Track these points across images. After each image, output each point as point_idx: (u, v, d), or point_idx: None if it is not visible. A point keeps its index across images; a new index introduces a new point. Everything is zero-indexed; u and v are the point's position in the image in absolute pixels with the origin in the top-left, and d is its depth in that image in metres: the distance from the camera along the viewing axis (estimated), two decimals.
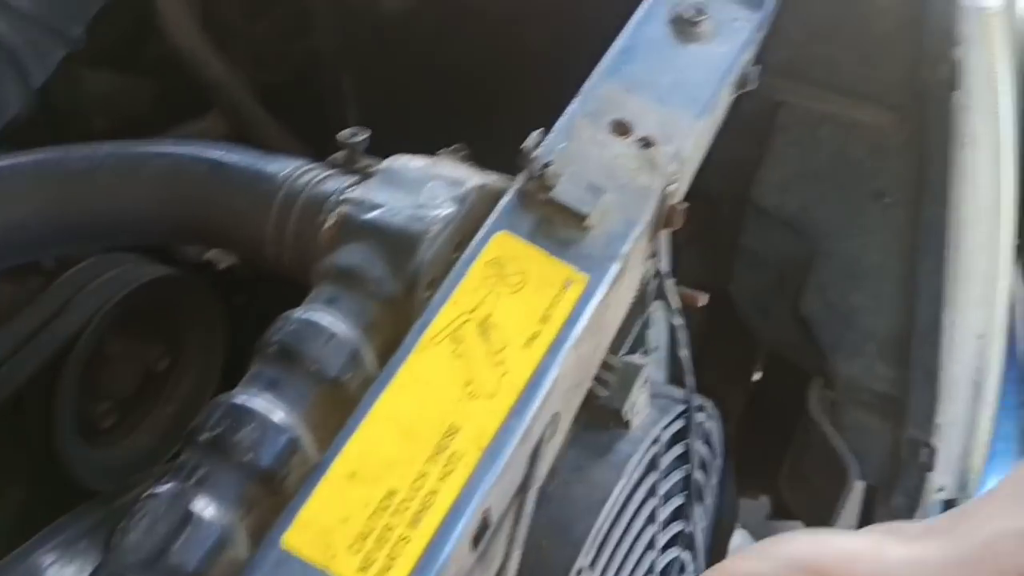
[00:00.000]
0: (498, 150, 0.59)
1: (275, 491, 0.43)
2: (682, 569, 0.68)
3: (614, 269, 0.53)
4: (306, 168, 0.57)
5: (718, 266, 0.97)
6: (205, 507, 0.41)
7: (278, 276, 0.56)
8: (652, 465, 0.60)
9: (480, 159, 0.62)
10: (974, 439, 0.89)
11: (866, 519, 0.96)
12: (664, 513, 0.62)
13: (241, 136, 1.01)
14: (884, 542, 0.35)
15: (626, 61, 0.64)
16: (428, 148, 0.62)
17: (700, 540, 0.70)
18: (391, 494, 0.42)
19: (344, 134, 0.59)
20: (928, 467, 0.88)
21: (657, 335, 0.72)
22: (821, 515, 0.93)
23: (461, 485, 0.42)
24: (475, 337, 0.48)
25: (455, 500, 0.42)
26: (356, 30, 1.02)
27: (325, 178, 0.56)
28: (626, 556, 0.57)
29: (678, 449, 0.65)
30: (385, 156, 0.58)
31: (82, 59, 0.86)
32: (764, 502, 1.26)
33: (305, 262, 0.54)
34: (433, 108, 0.98)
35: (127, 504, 0.41)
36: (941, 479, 0.89)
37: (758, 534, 1.29)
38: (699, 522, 0.69)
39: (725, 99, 0.69)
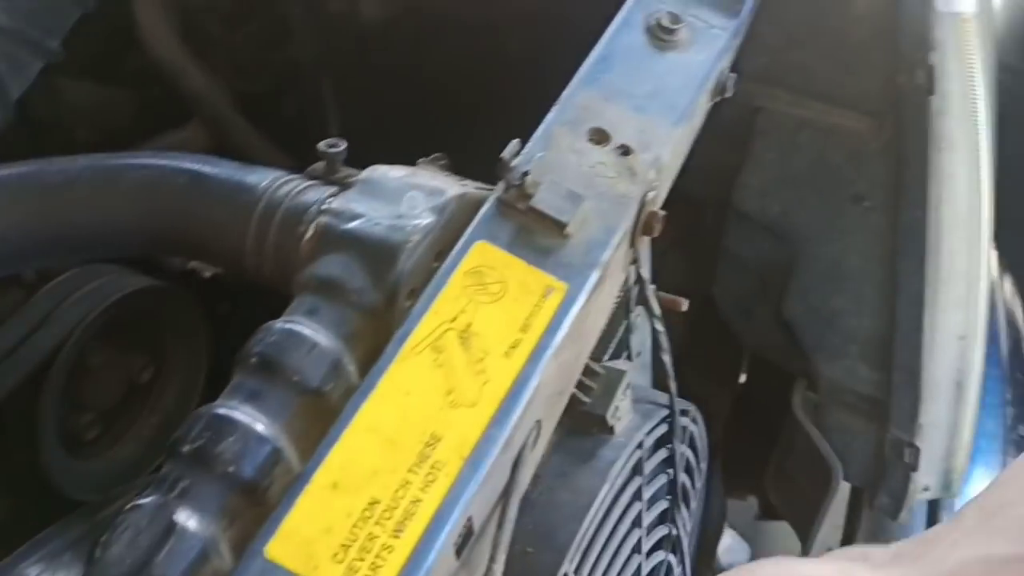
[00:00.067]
0: (478, 159, 0.60)
1: (258, 502, 0.43)
2: (669, 571, 0.69)
3: (594, 277, 0.53)
4: (285, 179, 0.57)
5: (702, 270, 0.98)
6: (188, 519, 0.41)
7: (260, 286, 0.56)
8: (636, 470, 0.60)
9: (460, 168, 0.63)
10: (957, 439, 0.90)
11: (852, 520, 0.97)
12: (649, 517, 0.62)
13: (222, 146, 1.01)
14: (852, 569, 0.35)
15: (603, 70, 0.64)
16: (408, 157, 0.62)
17: (686, 543, 0.71)
18: (374, 503, 0.42)
19: (323, 145, 0.59)
20: (912, 467, 0.88)
21: (640, 340, 0.72)
22: (807, 516, 0.93)
23: (443, 494, 0.43)
24: (456, 346, 0.48)
25: (438, 508, 0.42)
26: (335, 39, 1.02)
27: (305, 189, 0.57)
28: (611, 561, 0.57)
29: (662, 453, 0.65)
30: (365, 165, 0.58)
31: (62, 71, 0.86)
32: (752, 503, 1.27)
33: (286, 273, 0.54)
34: (413, 117, 0.98)
35: (110, 516, 0.41)
36: (925, 479, 0.89)
37: (747, 535, 1.30)
38: (685, 525, 0.69)
39: (703, 106, 0.69)
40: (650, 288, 0.63)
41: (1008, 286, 1.32)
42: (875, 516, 0.95)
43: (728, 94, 0.71)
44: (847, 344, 0.90)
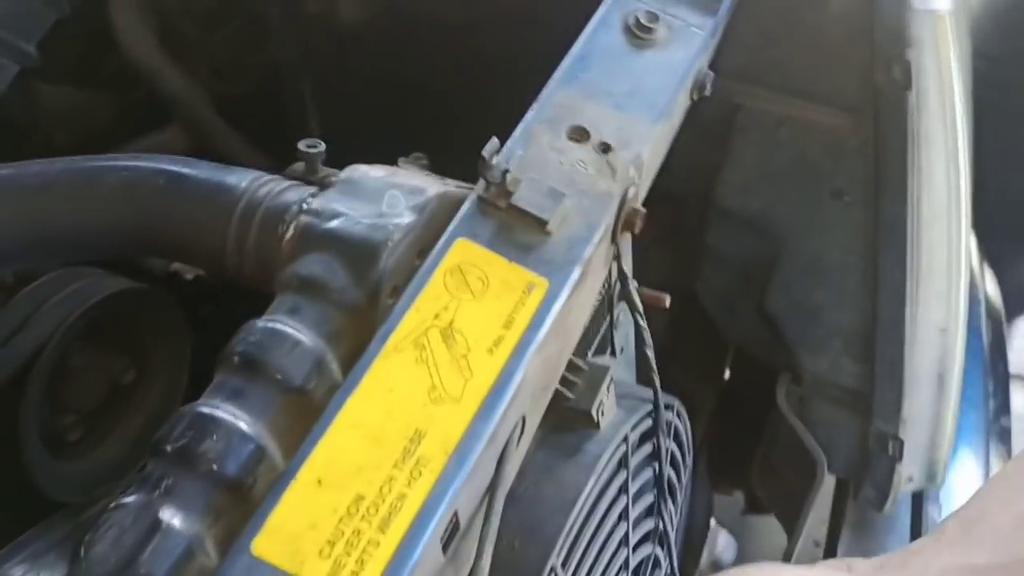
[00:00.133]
0: (458, 159, 0.60)
1: (243, 499, 0.43)
2: (656, 565, 0.69)
3: (576, 273, 0.53)
4: (265, 179, 0.57)
5: (684, 267, 0.98)
6: (172, 516, 0.41)
7: (241, 287, 0.56)
8: (622, 464, 0.60)
9: (440, 168, 0.63)
10: (940, 430, 0.91)
11: (837, 512, 0.98)
12: (636, 511, 0.63)
13: (201, 148, 1.01)
14: (838, 573, 0.36)
15: (582, 69, 0.65)
16: (388, 157, 0.62)
17: (673, 536, 0.71)
18: (359, 499, 0.42)
19: (303, 145, 0.59)
20: (896, 459, 0.89)
21: (623, 337, 0.73)
22: (793, 509, 0.94)
23: (429, 489, 0.43)
24: (439, 343, 0.48)
25: (423, 504, 0.42)
26: (314, 41, 1.02)
27: (285, 189, 0.57)
28: (599, 554, 0.57)
29: (647, 448, 0.65)
30: (345, 166, 0.58)
31: (39, 75, 0.86)
32: (739, 498, 1.28)
33: (267, 273, 0.54)
34: (393, 117, 0.98)
35: (94, 516, 0.41)
36: (910, 470, 0.90)
37: (734, 530, 1.31)
38: (671, 518, 0.70)
39: (682, 104, 0.70)
40: (632, 284, 0.63)
41: (989, 277, 1.34)
42: (860, 508, 0.95)
43: (707, 92, 0.72)
44: (830, 338, 0.91)
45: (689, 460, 0.77)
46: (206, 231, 0.55)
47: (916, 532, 0.96)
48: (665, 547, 0.71)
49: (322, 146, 0.60)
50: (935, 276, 0.88)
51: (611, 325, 0.68)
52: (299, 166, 0.60)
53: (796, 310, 0.91)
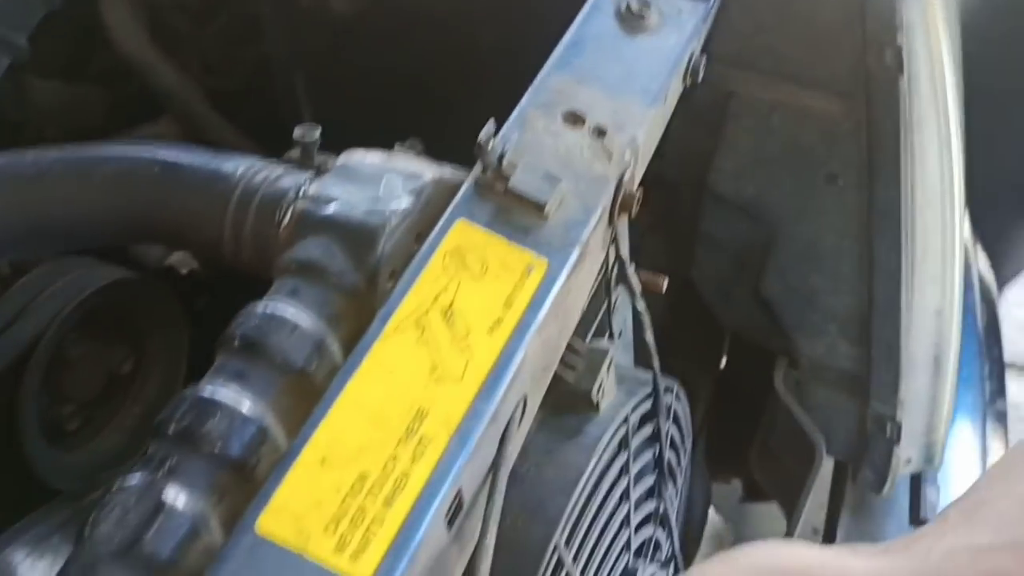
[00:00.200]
0: (451, 152, 0.60)
1: (246, 479, 0.43)
2: (657, 547, 0.69)
3: (574, 255, 0.53)
4: (261, 166, 0.57)
5: (680, 254, 0.98)
6: (176, 496, 0.41)
7: (238, 274, 0.56)
8: (622, 445, 0.61)
9: (434, 159, 0.63)
10: (937, 412, 0.91)
11: (835, 496, 0.98)
12: (637, 492, 0.63)
13: (196, 141, 1.00)
14: (846, 554, 0.36)
15: (575, 55, 0.65)
16: (383, 149, 0.62)
17: (674, 518, 0.71)
18: (363, 478, 0.42)
19: (298, 132, 0.59)
20: (894, 441, 0.89)
21: (621, 320, 0.73)
22: (792, 493, 0.94)
23: (432, 467, 0.43)
24: (439, 324, 0.48)
25: (427, 481, 0.42)
26: (307, 35, 1.02)
27: (281, 175, 0.57)
28: (601, 533, 0.58)
29: (647, 430, 0.65)
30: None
31: (31, 70, 0.86)
32: (736, 486, 1.28)
33: (265, 259, 0.54)
34: (386, 110, 0.98)
35: (97, 499, 0.41)
36: (908, 452, 0.91)
37: (732, 518, 1.31)
38: (672, 500, 0.70)
39: (675, 89, 0.70)
40: (630, 267, 0.64)
41: (982, 259, 1.34)
42: (859, 491, 0.96)
43: (700, 77, 0.72)
44: (826, 322, 0.91)
45: (688, 443, 0.77)
46: (203, 218, 0.55)
47: (915, 515, 0.96)
48: (666, 529, 0.71)
49: (318, 132, 0.60)
50: (930, 259, 0.89)
51: (609, 309, 0.68)
52: (294, 152, 0.60)
53: (792, 295, 0.92)
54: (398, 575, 0.40)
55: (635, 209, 0.61)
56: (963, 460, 1.04)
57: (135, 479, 0.41)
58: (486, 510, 0.44)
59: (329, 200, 0.54)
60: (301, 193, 0.55)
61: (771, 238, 0.91)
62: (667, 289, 0.69)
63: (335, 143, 0.62)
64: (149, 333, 0.70)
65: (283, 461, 0.42)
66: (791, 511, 0.95)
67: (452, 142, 0.61)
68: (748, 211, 0.91)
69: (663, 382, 0.67)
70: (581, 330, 0.63)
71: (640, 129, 0.62)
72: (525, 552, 0.52)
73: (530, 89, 0.62)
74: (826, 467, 0.96)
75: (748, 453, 1.09)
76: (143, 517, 0.39)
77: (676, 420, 0.72)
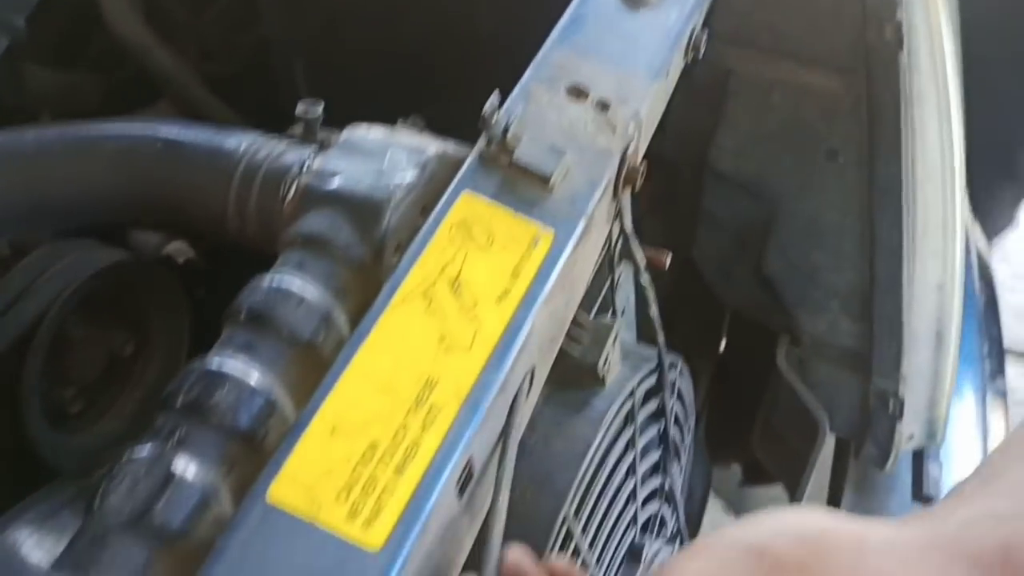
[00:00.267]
0: (451, 132, 0.60)
1: (255, 450, 0.43)
2: (663, 523, 0.69)
3: (580, 226, 0.53)
4: (264, 141, 0.57)
5: (681, 233, 0.98)
6: (186, 467, 0.40)
7: (236, 265, 0.56)
8: (628, 419, 0.60)
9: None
10: (939, 387, 0.91)
11: (838, 474, 0.98)
12: (643, 467, 0.63)
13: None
14: (864, 522, 0.36)
15: (576, 30, 0.65)
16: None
17: (679, 494, 0.71)
18: (373, 447, 0.42)
19: (300, 108, 0.59)
20: (897, 416, 0.89)
21: (624, 298, 0.73)
22: (795, 470, 0.94)
23: (443, 436, 0.43)
24: (447, 294, 0.48)
25: (438, 449, 0.42)
26: (305, 18, 1.01)
27: (284, 151, 0.56)
28: (609, 506, 0.57)
29: (652, 405, 0.65)
30: None
31: (27, 56, 0.85)
32: (736, 471, 1.28)
33: (270, 234, 0.54)
34: (385, 93, 0.98)
35: (103, 475, 0.40)
36: (910, 427, 0.91)
37: (731, 501, 1.31)
38: (676, 477, 0.70)
39: (677, 63, 0.70)
40: (634, 240, 0.63)
41: (980, 235, 1.35)
42: (861, 469, 0.96)
43: (701, 53, 0.72)
44: (828, 298, 0.91)
45: (692, 421, 0.77)
46: (206, 193, 0.55)
47: (918, 491, 0.96)
48: (672, 505, 0.71)
49: (320, 108, 0.59)
50: (931, 234, 0.89)
51: (612, 286, 0.68)
52: (297, 128, 0.59)
53: (794, 272, 0.92)
54: (410, 543, 0.39)
55: (639, 182, 0.61)
56: (964, 437, 1.04)
57: (144, 451, 0.41)
58: (497, 476, 0.44)
59: (333, 174, 0.53)
60: (305, 168, 0.54)
61: (772, 215, 0.91)
62: (667, 271, 0.69)
63: (334, 126, 0.62)
64: (150, 317, 0.70)
65: (293, 430, 0.42)
66: (794, 489, 0.95)
67: (452, 124, 0.61)
68: (749, 189, 0.91)
69: (667, 358, 0.67)
70: (585, 306, 0.63)
71: (643, 103, 0.62)
72: (535, 524, 0.52)
73: (532, 64, 0.61)
74: (828, 445, 0.96)
75: (747, 437, 1.09)
76: (153, 488, 0.39)
77: (680, 397, 0.72)
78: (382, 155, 0.55)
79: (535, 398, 0.52)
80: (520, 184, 0.54)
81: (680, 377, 0.71)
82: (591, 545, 0.56)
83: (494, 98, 0.55)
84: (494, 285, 0.49)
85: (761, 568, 0.34)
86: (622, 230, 0.63)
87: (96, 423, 0.68)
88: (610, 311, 0.69)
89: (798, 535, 0.35)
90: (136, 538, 0.38)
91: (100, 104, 0.97)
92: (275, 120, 0.68)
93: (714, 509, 1.32)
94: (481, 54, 0.91)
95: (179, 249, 0.93)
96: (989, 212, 1.64)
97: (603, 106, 0.60)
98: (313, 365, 0.46)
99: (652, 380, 0.65)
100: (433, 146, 0.57)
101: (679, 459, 0.72)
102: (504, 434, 0.46)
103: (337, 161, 0.54)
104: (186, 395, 0.43)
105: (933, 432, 0.92)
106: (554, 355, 0.55)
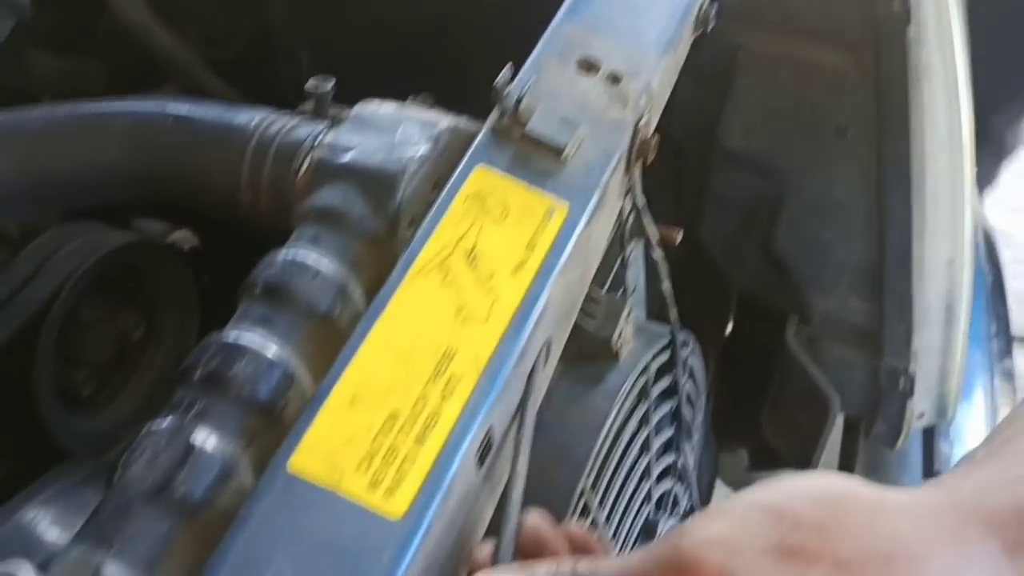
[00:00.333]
0: (459, 113, 0.59)
1: (275, 422, 0.42)
2: (676, 502, 0.69)
3: (594, 198, 0.53)
4: (275, 117, 0.57)
5: (689, 213, 0.98)
6: (206, 439, 0.40)
7: (240, 253, 0.55)
8: (643, 394, 0.60)
9: None
10: (950, 363, 0.91)
11: (848, 454, 0.98)
12: (656, 443, 0.63)
13: None
14: (881, 487, 0.37)
15: (587, 4, 0.64)
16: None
17: (692, 472, 0.71)
18: (393, 416, 0.41)
19: (311, 84, 0.59)
20: (908, 394, 0.89)
21: (634, 277, 0.72)
22: (805, 451, 0.94)
23: (462, 405, 0.42)
24: (463, 266, 0.48)
25: (458, 419, 0.42)
26: (310, 1, 1.01)
27: (296, 125, 0.56)
28: (624, 481, 0.57)
29: (665, 381, 0.65)
30: None
31: (30, 41, 0.84)
32: (742, 456, 1.28)
33: (283, 208, 0.53)
34: (391, 77, 0.97)
35: (123, 449, 0.40)
36: (921, 405, 0.91)
37: (739, 488, 1.31)
38: (689, 455, 0.70)
39: (687, 37, 0.69)
40: (647, 214, 0.63)
41: (985, 212, 1.34)
42: (871, 448, 0.96)
43: (711, 26, 0.71)
44: (838, 276, 0.91)
45: (703, 399, 0.77)
46: (219, 168, 0.55)
47: (928, 469, 0.96)
48: (685, 483, 0.71)
49: (331, 84, 0.59)
50: (940, 209, 0.88)
51: (624, 263, 0.68)
52: (308, 104, 0.59)
53: (804, 249, 0.91)
54: (432, 512, 0.39)
55: (651, 155, 0.60)
56: (973, 416, 1.04)
57: (164, 423, 0.41)
58: (515, 446, 0.44)
59: (346, 148, 0.53)
60: (317, 142, 0.54)
61: (781, 193, 0.91)
62: (674, 251, 0.69)
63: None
64: (160, 300, 0.69)
65: (313, 402, 0.41)
66: (804, 470, 0.95)
67: (459, 106, 0.60)
68: (758, 166, 0.91)
69: (680, 335, 0.67)
70: (597, 282, 0.63)
71: (654, 76, 0.61)
72: (553, 496, 0.51)
73: (543, 38, 0.61)
74: (838, 425, 0.96)
75: (754, 422, 1.09)
76: (174, 459, 0.39)
77: (692, 375, 0.71)
78: (394, 129, 0.55)
79: (551, 371, 0.52)
80: (533, 156, 0.54)
81: (692, 355, 0.71)
82: (607, 520, 0.56)
83: (506, 71, 0.55)
84: (509, 257, 0.49)
85: (780, 529, 0.34)
86: (634, 205, 0.62)
87: (107, 406, 0.68)
88: (622, 288, 0.69)
89: (816, 497, 0.35)
90: (158, 509, 0.38)
91: (103, 89, 0.97)
92: (279, 106, 0.68)
93: (720, 495, 1.32)
94: (488, 37, 0.90)
95: (184, 237, 0.92)
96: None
97: (614, 79, 0.60)
98: (330, 338, 0.45)
99: (665, 356, 0.65)
100: (445, 120, 0.57)
101: (691, 438, 0.72)
102: (522, 405, 0.46)
103: (349, 135, 0.54)
104: (204, 368, 0.42)
105: (944, 408, 0.92)
106: (569, 328, 0.55)
